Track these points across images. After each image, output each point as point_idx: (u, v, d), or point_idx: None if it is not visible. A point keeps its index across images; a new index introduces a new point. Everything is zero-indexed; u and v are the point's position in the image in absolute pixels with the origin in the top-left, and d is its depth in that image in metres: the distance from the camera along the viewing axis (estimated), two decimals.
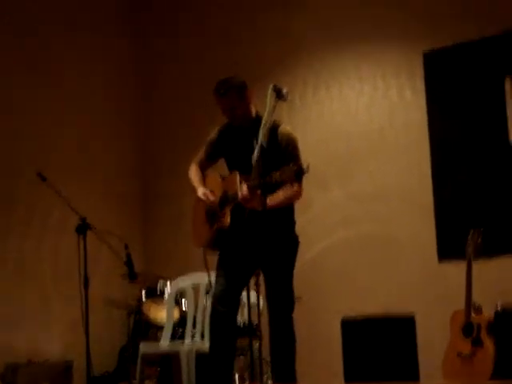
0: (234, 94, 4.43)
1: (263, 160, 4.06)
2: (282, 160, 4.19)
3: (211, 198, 4.50)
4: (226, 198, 4.40)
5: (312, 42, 7.31)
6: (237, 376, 5.58)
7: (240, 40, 7.72)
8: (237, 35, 7.76)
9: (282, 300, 4.40)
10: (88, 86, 7.78)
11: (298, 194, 4.39)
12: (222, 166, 4.78)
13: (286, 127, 4.48)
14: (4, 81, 7.06)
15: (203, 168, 4.76)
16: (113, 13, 8.25)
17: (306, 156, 4.51)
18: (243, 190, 4.19)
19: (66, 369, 6.90)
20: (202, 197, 4.52)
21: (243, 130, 4.49)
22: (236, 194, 4.25)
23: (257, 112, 4.55)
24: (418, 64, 6.75)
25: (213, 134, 4.71)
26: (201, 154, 4.76)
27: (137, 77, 8.36)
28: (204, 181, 4.70)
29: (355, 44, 7.09)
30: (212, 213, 4.49)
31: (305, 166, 3.94)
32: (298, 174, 3.95)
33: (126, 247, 5.42)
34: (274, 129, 4.32)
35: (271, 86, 4.18)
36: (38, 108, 7.28)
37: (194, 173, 4.73)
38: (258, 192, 4.11)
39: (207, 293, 5.69)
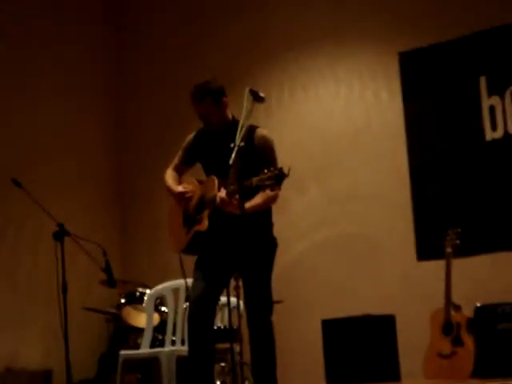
0: (209, 100, 4.41)
1: (240, 163, 4.04)
2: (259, 163, 4.18)
3: (190, 193, 4.48)
4: (204, 202, 4.38)
5: (287, 43, 7.32)
6: (218, 382, 5.55)
7: (214, 43, 7.71)
8: (211, 38, 7.75)
9: (260, 303, 4.38)
10: (63, 91, 7.75)
11: (275, 198, 4.38)
12: (198, 171, 4.75)
13: (262, 130, 4.46)
14: None
15: (180, 172, 4.74)
16: (88, 21, 8.23)
17: (283, 157, 4.50)
18: (222, 194, 4.17)
19: (45, 377, 6.86)
20: (182, 192, 4.49)
21: (220, 134, 4.47)
22: (214, 198, 4.23)
23: (233, 116, 4.54)
24: (393, 65, 6.77)
25: (189, 138, 4.69)
26: (176, 158, 4.74)
27: (114, 82, 8.32)
28: (179, 184, 4.67)
29: (331, 45, 7.11)
30: (189, 217, 4.47)
31: (286, 169, 3.92)
32: (279, 179, 3.91)
33: (105, 253, 5.37)
34: (250, 132, 4.29)
35: (248, 90, 4.18)
36: (12, 113, 7.23)
37: (168, 176, 4.70)
38: (236, 197, 4.09)
39: (187, 299, 5.67)
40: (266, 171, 3.93)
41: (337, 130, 7.04)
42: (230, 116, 4.53)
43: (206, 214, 4.33)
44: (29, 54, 7.46)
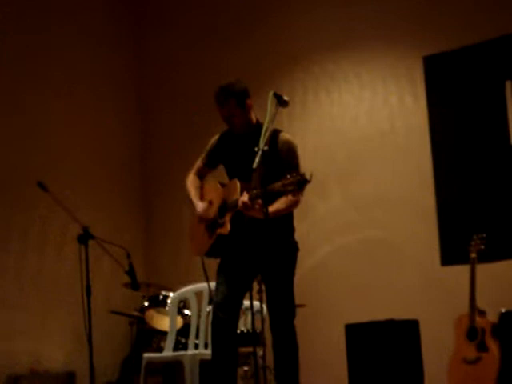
0: (233, 102, 4.41)
1: (263, 167, 4.05)
2: (282, 167, 4.18)
3: (210, 214, 4.49)
4: (226, 206, 4.39)
5: (312, 47, 7.31)
6: None
7: (239, 47, 7.72)
8: (236, 42, 7.77)
9: (282, 307, 4.37)
10: (90, 97, 7.79)
11: (297, 202, 4.37)
12: (220, 172, 4.76)
13: (285, 134, 4.46)
14: (7, 90, 7.06)
15: (202, 175, 4.74)
16: (112, 25, 8.28)
17: (306, 162, 4.50)
18: (244, 198, 4.17)
19: (68, 379, 6.89)
20: (202, 213, 4.50)
21: (243, 137, 4.47)
22: (236, 201, 4.23)
23: (257, 119, 4.53)
24: (418, 69, 6.75)
25: (212, 140, 4.69)
26: (199, 161, 4.74)
27: (137, 90, 8.35)
28: (202, 189, 4.68)
29: (355, 49, 7.09)
30: (211, 221, 4.48)
31: (308, 175, 3.92)
32: (301, 184, 3.92)
33: (129, 256, 5.37)
34: (273, 136, 4.28)
35: (272, 93, 4.18)
36: (39, 118, 7.28)
37: (190, 183, 4.69)
38: (259, 201, 4.09)
39: (210, 302, 5.67)
40: (288, 176, 3.93)
41: (360, 135, 7.02)
42: (254, 119, 4.52)
43: (228, 217, 4.33)
44: (56, 62, 7.53)
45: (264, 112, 4.16)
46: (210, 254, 4.53)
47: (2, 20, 7.12)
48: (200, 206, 4.54)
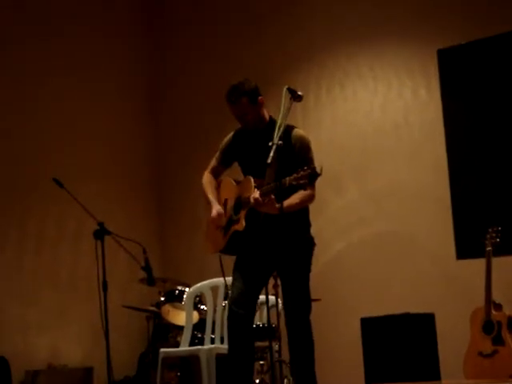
0: (245, 101, 4.42)
1: (277, 162, 4.07)
2: (295, 163, 4.19)
3: (223, 221, 4.51)
4: (241, 203, 4.41)
5: (325, 42, 7.31)
6: (257, 380, 5.56)
7: (252, 42, 7.73)
8: (249, 37, 7.77)
9: (298, 302, 4.38)
10: (104, 94, 7.82)
11: (311, 197, 4.38)
12: (235, 170, 4.78)
13: (299, 130, 4.47)
14: (21, 86, 7.10)
15: (217, 174, 4.75)
16: (126, 25, 8.31)
17: (320, 156, 4.50)
18: (256, 194, 4.19)
19: (86, 374, 6.93)
20: (216, 218, 4.52)
21: (257, 133, 4.48)
22: (250, 198, 4.25)
23: (270, 115, 4.55)
24: (432, 62, 6.73)
25: (226, 138, 4.70)
26: (214, 160, 4.76)
27: (151, 87, 8.37)
28: (218, 188, 4.70)
29: (369, 43, 7.07)
30: (227, 217, 4.50)
31: (318, 168, 3.96)
32: (312, 178, 3.97)
33: (145, 252, 5.41)
34: (287, 132, 4.31)
35: (285, 88, 4.19)
36: (54, 114, 7.32)
37: (206, 183, 4.70)
38: (272, 197, 4.11)
39: (225, 298, 5.69)
40: (299, 171, 3.97)
41: (375, 128, 7.01)
42: (266, 115, 4.54)
43: (242, 214, 4.35)
44: (71, 54, 7.56)
45: (278, 107, 4.18)
46: (226, 251, 4.54)
47: (11, 7, 7.15)
48: (215, 210, 4.55)
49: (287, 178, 4.03)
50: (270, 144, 4.04)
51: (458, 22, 6.61)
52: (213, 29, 8.05)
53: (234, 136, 4.66)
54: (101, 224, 5.11)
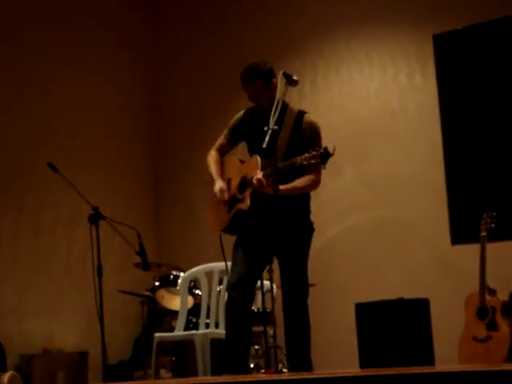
0: (259, 82, 4.44)
1: (288, 147, 4.24)
2: (306, 147, 4.23)
3: (226, 195, 4.51)
4: (245, 182, 4.42)
5: (321, 27, 7.29)
6: (252, 365, 5.58)
7: (250, 27, 7.70)
8: (247, 22, 7.75)
9: (296, 287, 4.39)
10: (100, 78, 7.79)
11: (316, 183, 4.42)
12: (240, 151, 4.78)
13: (310, 116, 4.51)
14: (18, 71, 7.07)
15: (223, 153, 4.76)
16: (126, 11, 8.28)
17: None
18: (258, 175, 4.20)
19: (81, 358, 6.94)
20: (218, 193, 4.53)
21: (268, 115, 4.46)
22: (253, 179, 4.27)
23: (283, 99, 4.57)
24: (427, 47, 6.72)
25: (236, 116, 4.71)
26: (222, 138, 4.76)
27: (149, 70, 8.35)
28: (223, 167, 4.70)
29: (364, 28, 7.06)
30: (231, 196, 4.51)
31: (331, 148, 4.00)
32: (324, 157, 4.03)
33: (139, 237, 5.40)
34: (298, 117, 4.41)
35: (281, 73, 4.23)
36: (49, 99, 7.29)
37: (212, 160, 4.72)
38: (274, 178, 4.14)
39: (220, 282, 5.70)
40: (311, 150, 4.05)
41: (370, 113, 7.01)
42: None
43: (248, 193, 4.37)
44: (69, 40, 7.53)
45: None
46: (228, 229, 4.55)
47: None
48: (217, 185, 4.56)
49: (298, 158, 4.11)
50: (266, 129, 4.04)
51: (454, 7, 6.60)
52: (211, 16, 8.02)
53: (244, 115, 4.67)
54: (95, 209, 5.10)
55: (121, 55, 8.07)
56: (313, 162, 4.06)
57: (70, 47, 7.52)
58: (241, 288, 4.41)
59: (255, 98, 4.50)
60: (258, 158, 4.34)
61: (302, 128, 4.42)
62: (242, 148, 4.76)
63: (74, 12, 7.60)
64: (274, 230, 4.15)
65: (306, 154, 4.07)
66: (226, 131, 4.74)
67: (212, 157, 4.73)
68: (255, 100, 4.51)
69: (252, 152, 4.55)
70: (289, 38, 7.45)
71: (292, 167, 4.17)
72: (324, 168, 4.20)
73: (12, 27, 7.08)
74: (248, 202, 4.35)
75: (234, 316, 4.41)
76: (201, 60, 7.95)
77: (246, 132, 4.63)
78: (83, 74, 7.60)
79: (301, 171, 4.28)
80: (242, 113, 4.69)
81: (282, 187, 4.14)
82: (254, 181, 4.24)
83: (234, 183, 4.54)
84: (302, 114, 4.48)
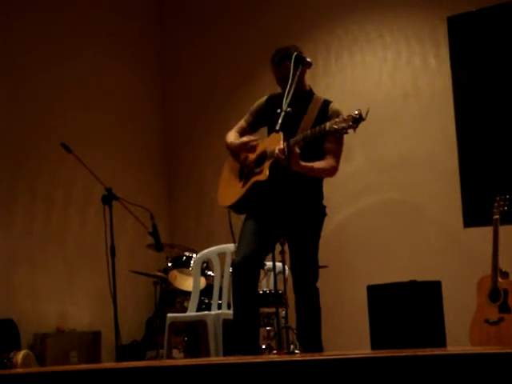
0: (288, 64, 4.41)
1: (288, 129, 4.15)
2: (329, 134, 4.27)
3: (255, 142, 4.50)
4: (265, 155, 4.42)
5: (335, 8, 7.26)
6: (263, 346, 5.60)
7: (263, 9, 7.67)
8: (260, 4, 7.72)
9: (307, 269, 4.39)
10: (112, 58, 7.81)
11: (334, 169, 4.43)
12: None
13: (335, 105, 4.53)
14: (30, 52, 7.09)
15: (242, 135, 4.73)
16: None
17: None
18: (281, 145, 4.20)
19: (94, 338, 6.99)
20: (247, 140, 4.51)
21: (292, 101, 4.44)
22: (275, 150, 4.27)
23: (310, 86, 4.56)
24: (441, 29, 6.69)
25: (260, 101, 4.69)
26: (242, 121, 4.73)
27: (162, 54, 8.36)
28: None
29: (378, 10, 7.03)
30: (247, 170, 4.50)
31: (364, 113, 4.04)
32: (357, 120, 4.06)
33: (152, 217, 5.41)
34: (325, 105, 4.45)
35: (294, 55, 4.23)
36: (62, 79, 7.32)
37: (230, 135, 4.69)
38: (298, 151, 4.14)
39: (232, 264, 5.71)
40: (341, 116, 4.11)
41: (383, 96, 6.98)
42: (307, 85, 4.55)
43: (267, 164, 4.36)
44: (83, 26, 7.57)
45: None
46: (239, 204, 4.52)
47: None
48: (244, 138, 4.55)
49: (327, 123, 4.16)
50: (279, 111, 4.04)
51: None
52: (223, 1, 8.00)
53: (267, 100, 4.65)
54: (109, 189, 5.11)
55: (134, 40, 8.09)
56: (343, 125, 4.06)
57: (85, 32, 7.56)
58: (246, 268, 4.41)
59: (282, 80, 4.44)
60: (282, 134, 4.31)
61: (327, 114, 4.43)
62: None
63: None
64: (286, 212, 4.15)
65: (337, 119, 4.08)
66: (246, 115, 4.72)
67: (231, 134, 4.70)
68: (282, 82, 4.45)
69: None
70: (302, 20, 7.42)
71: (320, 133, 4.18)
72: (354, 131, 4.17)
73: (25, 6, 7.10)
74: (267, 172, 4.34)
75: (240, 296, 4.42)
76: (213, 43, 7.94)
77: (268, 117, 4.59)
78: (98, 57, 7.64)
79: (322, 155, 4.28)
80: (264, 98, 4.67)
81: (301, 163, 4.17)
82: (277, 150, 4.23)
83: (251, 159, 4.53)
84: (328, 102, 4.51)
